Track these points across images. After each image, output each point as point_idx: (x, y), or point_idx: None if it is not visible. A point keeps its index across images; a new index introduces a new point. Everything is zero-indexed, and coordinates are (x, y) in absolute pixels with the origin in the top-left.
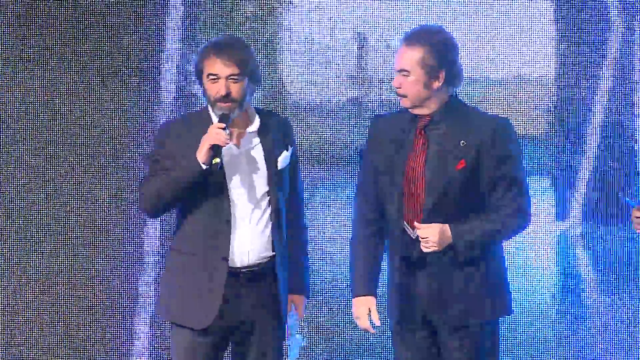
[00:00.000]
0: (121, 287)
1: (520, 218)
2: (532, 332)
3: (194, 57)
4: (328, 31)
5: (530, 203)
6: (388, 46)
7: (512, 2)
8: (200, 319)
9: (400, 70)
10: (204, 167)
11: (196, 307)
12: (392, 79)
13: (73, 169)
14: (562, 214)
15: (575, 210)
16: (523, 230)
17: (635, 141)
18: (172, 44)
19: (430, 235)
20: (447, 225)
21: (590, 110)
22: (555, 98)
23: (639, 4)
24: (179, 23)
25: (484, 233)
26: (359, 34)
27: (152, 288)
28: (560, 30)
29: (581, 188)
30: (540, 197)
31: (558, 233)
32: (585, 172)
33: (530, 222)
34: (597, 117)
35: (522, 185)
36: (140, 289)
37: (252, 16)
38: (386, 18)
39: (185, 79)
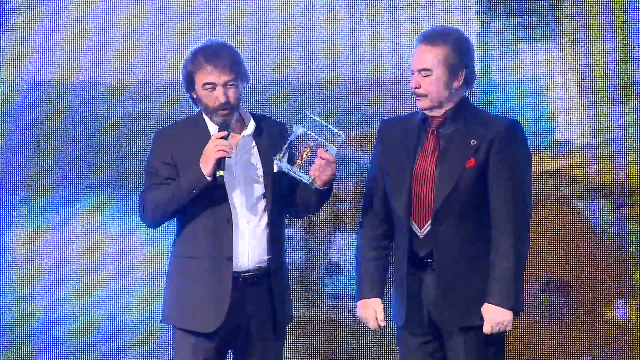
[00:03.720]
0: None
1: (517, 225)
2: (538, 331)
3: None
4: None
5: (528, 205)
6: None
7: None
8: (208, 323)
9: (421, 70)
10: (209, 179)
11: (204, 311)
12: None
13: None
14: None
15: None
16: (527, 230)
17: None
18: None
19: (497, 323)
20: (489, 305)
21: None
22: None
23: None
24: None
25: (511, 274)
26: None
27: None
28: None
29: None
30: None
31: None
32: None
33: (529, 222)
34: None
35: (523, 187)
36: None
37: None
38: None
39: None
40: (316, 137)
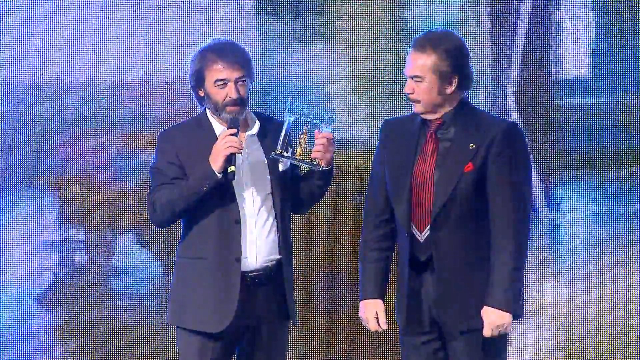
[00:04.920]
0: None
1: (517, 228)
2: (539, 333)
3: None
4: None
5: (527, 208)
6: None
7: None
8: (216, 323)
9: (413, 77)
10: (219, 176)
11: (212, 311)
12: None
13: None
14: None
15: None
16: (527, 233)
17: None
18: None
19: (496, 326)
20: (488, 308)
21: None
22: None
23: None
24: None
25: (510, 277)
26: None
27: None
28: None
29: None
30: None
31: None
32: None
33: (529, 225)
34: None
35: (522, 190)
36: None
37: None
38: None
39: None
40: (309, 119)
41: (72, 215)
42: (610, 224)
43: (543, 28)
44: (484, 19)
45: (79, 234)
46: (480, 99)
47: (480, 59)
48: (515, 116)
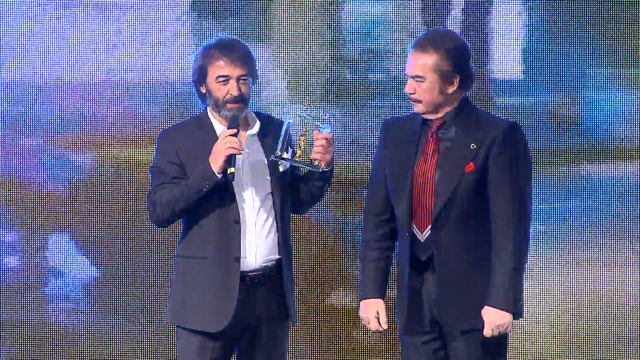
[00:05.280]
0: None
1: (517, 228)
2: (539, 332)
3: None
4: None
5: (528, 208)
6: None
7: None
8: (215, 323)
9: (414, 77)
10: (219, 176)
11: (211, 311)
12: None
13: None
14: None
15: None
16: (528, 233)
17: None
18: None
19: (496, 326)
20: (488, 308)
21: None
22: None
23: None
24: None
25: (511, 277)
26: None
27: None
28: None
29: None
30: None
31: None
32: None
33: (529, 225)
34: None
35: (523, 190)
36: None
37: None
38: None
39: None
40: (307, 120)
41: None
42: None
43: (474, 29)
44: (416, 21)
45: (8, 235)
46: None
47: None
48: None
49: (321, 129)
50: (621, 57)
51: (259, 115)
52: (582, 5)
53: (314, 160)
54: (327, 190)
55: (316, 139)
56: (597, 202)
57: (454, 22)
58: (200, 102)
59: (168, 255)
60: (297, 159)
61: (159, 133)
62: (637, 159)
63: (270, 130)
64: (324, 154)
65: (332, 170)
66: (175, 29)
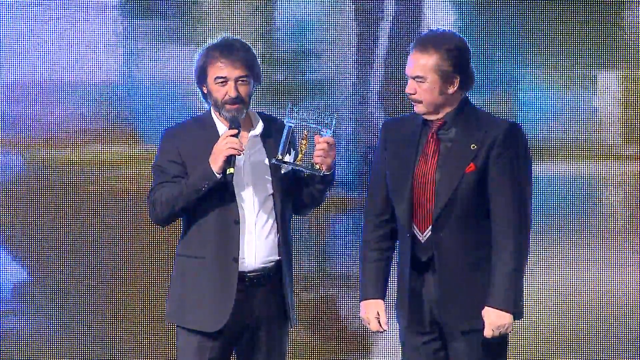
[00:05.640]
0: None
1: (517, 229)
2: (539, 332)
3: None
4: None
5: (528, 209)
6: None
7: None
8: (213, 322)
9: (415, 77)
10: (219, 176)
11: (209, 310)
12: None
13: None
14: None
15: None
16: (528, 234)
17: None
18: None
19: (497, 327)
20: (489, 309)
21: None
22: None
23: None
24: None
25: (511, 277)
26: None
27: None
28: None
29: None
30: None
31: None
32: None
33: (530, 225)
34: None
35: (523, 191)
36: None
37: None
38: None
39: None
40: (310, 123)
41: None
42: None
43: (405, 27)
44: (350, 18)
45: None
46: (346, 95)
47: (344, 58)
48: (379, 114)
49: (322, 133)
50: (622, 59)
51: (262, 116)
52: (506, 30)
53: (315, 164)
54: (326, 194)
55: (317, 143)
56: (597, 202)
57: (384, 31)
58: (204, 102)
59: (168, 256)
60: (298, 163)
61: (162, 132)
62: (637, 159)
63: (273, 131)
64: (325, 157)
65: (333, 173)
66: (176, 28)
